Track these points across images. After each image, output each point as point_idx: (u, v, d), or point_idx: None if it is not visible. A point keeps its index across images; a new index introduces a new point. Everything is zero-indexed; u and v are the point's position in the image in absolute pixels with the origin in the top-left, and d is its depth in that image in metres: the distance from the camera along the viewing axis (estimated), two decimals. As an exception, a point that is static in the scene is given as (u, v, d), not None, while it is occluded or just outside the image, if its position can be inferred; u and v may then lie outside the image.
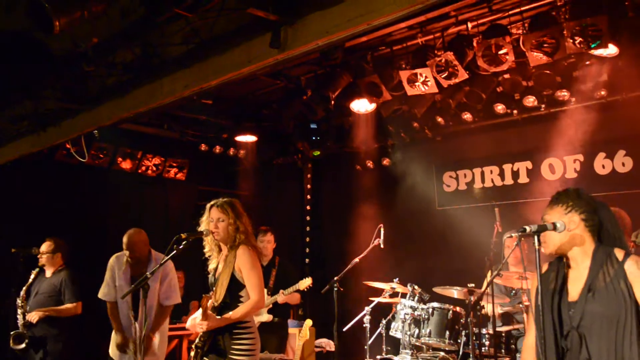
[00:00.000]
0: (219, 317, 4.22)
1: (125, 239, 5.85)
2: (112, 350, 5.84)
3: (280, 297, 6.48)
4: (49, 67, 5.51)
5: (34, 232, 7.07)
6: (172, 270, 5.99)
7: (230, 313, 4.22)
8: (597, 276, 2.96)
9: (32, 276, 6.40)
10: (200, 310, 4.29)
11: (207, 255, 4.59)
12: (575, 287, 3.02)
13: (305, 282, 6.50)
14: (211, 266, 4.55)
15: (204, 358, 4.29)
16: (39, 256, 6.47)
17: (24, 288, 6.37)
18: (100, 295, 5.88)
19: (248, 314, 4.26)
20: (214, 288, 4.41)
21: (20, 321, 6.23)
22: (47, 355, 6.23)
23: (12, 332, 6.18)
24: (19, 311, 6.27)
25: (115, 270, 5.89)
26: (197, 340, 4.31)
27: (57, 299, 6.35)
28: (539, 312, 3.01)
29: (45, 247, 6.49)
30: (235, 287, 4.31)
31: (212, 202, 4.48)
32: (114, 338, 5.82)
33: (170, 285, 5.95)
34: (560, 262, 3.15)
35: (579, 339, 2.91)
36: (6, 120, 6.74)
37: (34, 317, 6.12)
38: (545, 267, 3.21)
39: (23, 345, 6.14)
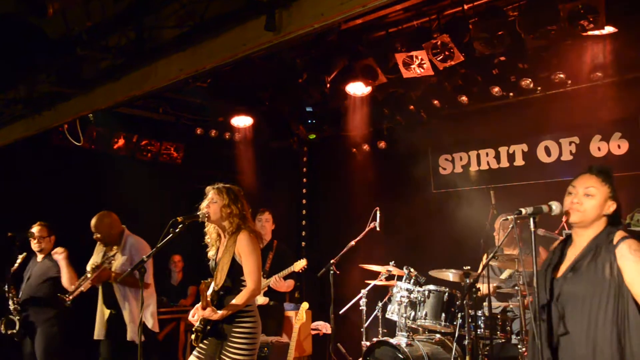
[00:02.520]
0: (219, 312, 4.21)
1: (92, 221, 5.83)
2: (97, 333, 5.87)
3: (273, 281, 6.51)
4: (43, 51, 5.48)
5: (29, 216, 7.07)
6: (136, 248, 5.94)
7: (230, 303, 4.23)
8: (585, 256, 3.02)
9: (19, 260, 6.41)
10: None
11: (207, 242, 4.61)
12: (566, 264, 3.09)
13: (300, 264, 6.53)
14: (211, 252, 4.57)
15: (204, 341, 4.31)
16: (33, 240, 6.47)
17: (11, 272, 6.38)
18: None
19: (246, 302, 4.27)
20: (214, 273, 4.43)
21: (11, 306, 6.25)
22: (43, 340, 6.26)
23: (2, 317, 6.24)
24: (10, 296, 6.29)
25: (96, 250, 5.98)
26: (197, 323, 4.33)
27: (52, 283, 6.32)
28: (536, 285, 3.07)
29: (38, 231, 6.47)
30: (236, 271, 4.33)
31: (211, 186, 4.51)
32: (99, 320, 5.85)
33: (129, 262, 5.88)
34: (570, 240, 3.20)
35: (558, 314, 2.98)
36: (0, 104, 6.71)
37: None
38: (557, 242, 3.29)
39: (15, 330, 6.18)
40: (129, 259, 5.75)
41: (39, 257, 6.47)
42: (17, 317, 6.22)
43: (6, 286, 6.30)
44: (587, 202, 3.07)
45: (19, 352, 6.47)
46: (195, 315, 4.33)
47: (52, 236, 6.52)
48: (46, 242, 6.49)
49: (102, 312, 5.83)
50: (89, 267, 5.67)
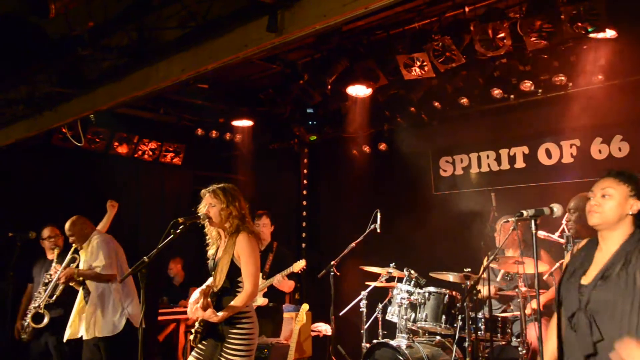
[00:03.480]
0: (219, 313, 4.20)
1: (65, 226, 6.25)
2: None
3: (277, 280, 6.51)
4: (45, 51, 5.48)
5: (30, 216, 7.08)
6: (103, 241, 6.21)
7: (227, 308, 4.22)
8: (615, 263, 2.95)
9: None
10: (196, 292, 4.30)
11: (207, 242, 4.61)
12: (594, 267, 3.02)
13: (300, 264, 6.52)
14: (211, 251, 4.57)
15: (203, 342, 4.31)
16: (49, 240, 6.61)
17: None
18: None
19: (244, 305, 4.27)
20: (213, 273, 4.43)
21: (39, 302, 6.33)
22: (61, 340, 6.32)
23: (32, 311, 6.33)
24: (42, 289, 6.39)
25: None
26: (196, 325, 4.33)
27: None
28: (559, 290, 3.06)
29: (51, 231, 6.66)
30: (235, 272, 4.32)
31: (205, 189, 4.50)
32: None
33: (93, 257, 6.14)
34: (594, 243, 3.13)
35: (587, 320, 2.90)
36: (1, 104, 6.71)
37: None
38: (581, 244, 3.21)
39: (43, 324, 6.28)
40: (93, 254, 6.07)
41: (55, 255, 6.51)
42: (46, 312, 6.32)
43: (41, 286, 6.41)
44: (606, 203, 3.03)
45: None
46: (191, 308, 4.34)
47: (63, 235, 6.60)
48: (61, 240, 6.63)
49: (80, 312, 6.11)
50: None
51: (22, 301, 6.70)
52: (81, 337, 6.06)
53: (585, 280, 3.00)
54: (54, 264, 6.39)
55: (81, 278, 6.04)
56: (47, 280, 6.35)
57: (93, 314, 5.98)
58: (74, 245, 6.24)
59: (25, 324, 6.36)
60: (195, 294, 4.37)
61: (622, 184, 3.04)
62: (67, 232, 6.19)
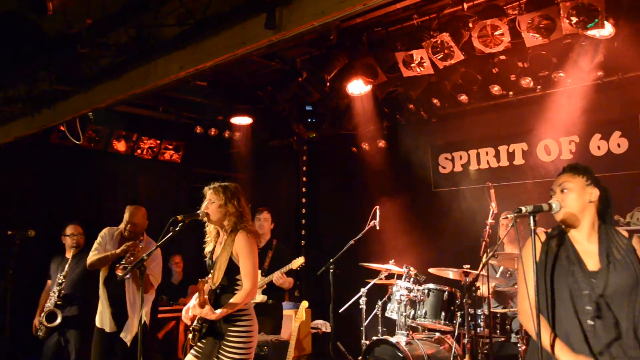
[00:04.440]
0: (217, 311, 4.20)
1: (128, 212, 5.90)
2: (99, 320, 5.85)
3: (276, 277, 6.51)
4: (43, 49, 5.47)
5: (29, 214, 7.08)
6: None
7: (226, 306, 4.22)
8: (611, 249, 3.05)
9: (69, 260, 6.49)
10: (194, 298, 4.30)
11: (206, 239, 4.61)
12: (590, 259, 3.07)
13: (298, 261, 6.53)
14: (208, 248, 4.56)
15: (202, 340, 4.31)
16: (72, 238, 6.59)
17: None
18: (89, 260, 5.83)
19: (243, 302, 4.27)
20: (211, 271, 4.43)
21: (52, 300, 6.32)
22: (77, 338, 6.34)
23: (46, 310, 6.30)
24: (55, 289, 6.35)
25: (107, 240, 5.90)
26: (194, 323, 4.33)
27: (87, 280, 6.36)
28: (544, 280, 3.10)
29: (74, 229, 6.63)
30: (233, 270, 4.33)
31: (208, 187, 4.51)
32: (102, 310, 5.83)
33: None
34: (561, 235, 3.20)
35: (607, 306, 2.96)
36: (0, 102, 6.71)
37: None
38: (543, 237, 3.26)
39: (56, 323, 6.26)
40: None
41: (71, 254, 6.49)
42: (60, 311, 6.30)
43: (55, 285, 6.36)
44: (566, 197, 3.13)
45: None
46: (190, 312, 4.34)
47: (84, 235, 6.60)
48: (83, 239, 6.61)
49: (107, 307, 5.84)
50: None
51: (41, 297, 6.67)
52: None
53: (592, 267, 3.05)
54: (67, 265, 6.38)
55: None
56: (60, 280, 6.34)
57: (129, 310, 5.78)
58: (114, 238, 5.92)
59: (41, 322, 6.35)
60: (193, 301, 4.37)
61: (577, 175, 3.15)
62: (130, 220, 5.86)
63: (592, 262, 3.06)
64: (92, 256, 5.77)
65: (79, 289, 6.41)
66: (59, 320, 6.27)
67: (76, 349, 6.34)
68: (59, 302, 6.30)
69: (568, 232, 3.18)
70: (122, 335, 5.70)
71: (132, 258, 5.58)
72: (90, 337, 5.98)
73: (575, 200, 3.11)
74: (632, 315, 2.94)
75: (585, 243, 3.12)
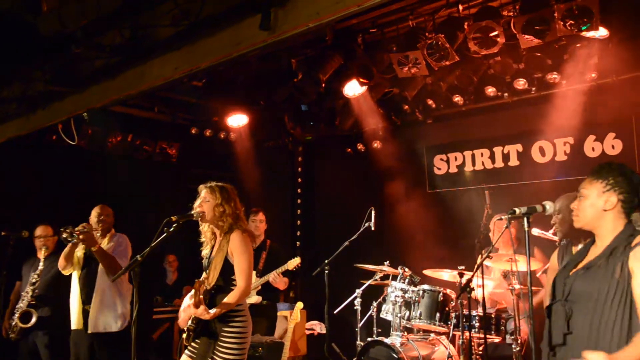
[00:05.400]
0: (211, 310, 4.21)
1: (94, 212, 6.03)
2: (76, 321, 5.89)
3: (272, 277, 6.51)
4: (38, 49, 5.46)
5: (23, 215, 7.06)
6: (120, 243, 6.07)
7: (220, 304, 4.23)
8: (602, 256, 2.96)
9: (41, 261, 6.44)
10: (187, 297, 4.31)
11: (202, 241, 4.61)
12: (580, 259, 3.07)
13: (294, 262, 6.53)
14: (205, 251, 4.58)
15: (196, 340, 4.32)
16: (39, 239, 6.52)
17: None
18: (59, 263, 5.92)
19: (237, 302, 4.28)
20: (207, 271, 4.43)
21: (25, 301, 6.28)
22: (51, 339, 6.33)
23: (20, 310, 6.25)
24: (29, 289, 6.30)
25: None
26: (189, 323, 4.33)
27: (59, 281, 6.34)
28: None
29: (44, 230, 6.56)
30: (228, 270, 4.34)
31: (203, 184, 4.51)
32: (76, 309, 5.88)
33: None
34: (593, 241, 3.14)
35: (563, 312, 2.94)
36: (-6, 102, 6.70)
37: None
38: (585, 242, 3.26)
39: (30, 324, 6.22)
40: (113, 247, 5.91)
41: (43, 255, 6.47)
42: (34, 311, 6.27)
43: (29, 285, 6.31)
44: (581, 204, 3.06)
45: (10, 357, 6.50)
46: (182, 314, 4.34)
47: (56, 236, 6.55)
48: (52, 242, 6.54)
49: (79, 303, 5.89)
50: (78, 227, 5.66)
51: (10, 299, 6.66)
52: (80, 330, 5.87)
53: (571, 272, 3.06)
54: (40, 265, 6.35)
55: (95, 248, 5.63)
56: (34, 280, 6.31)
57: (98, 307, 5.80)
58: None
59: (13, 323, 6.29)
60: (187, 301, 4.37)
61: (596, 180, 3.03)
62: (99, 217, 5.99)
63: (578, 265, 3.07)
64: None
65: (52, 290, 6.39)
66: (34, 320, 6.23)
67: (50, 350, 6.33)
68: (32, 302, 6.26)
69: (595, 238, 3.10)
70: (103, 328, 5.74)
71: (83, 231, 5.56)
72: (63, 339, 6.00)
73: (587, 208, 3.03)
74: (591, 326, 2.88)
75: (601, 246, 3.02)
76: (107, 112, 7.52)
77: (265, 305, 6.66)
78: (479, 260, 5.60)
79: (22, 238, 6.52)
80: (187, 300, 4.39)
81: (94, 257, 5.69)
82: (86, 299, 5.81)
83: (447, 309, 5.88)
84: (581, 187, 3.09)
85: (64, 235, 5.53)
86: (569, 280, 3.01)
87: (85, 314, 5.77)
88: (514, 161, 7.83)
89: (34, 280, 6.29)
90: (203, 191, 4.47)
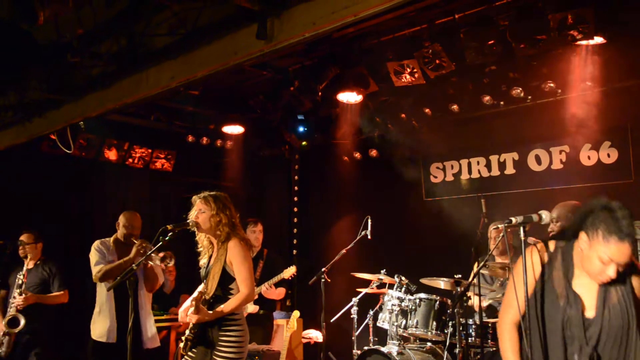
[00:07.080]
0: (210, 311, 4.22)
1: (125, 219, 5.65)
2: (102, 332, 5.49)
3: (264, 288, 6.50)
4: (34, 58, 5.46)
5: (20, 224, 7.03)
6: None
7: (222, 306, 4.23)
8: (609, 290, 2.83)
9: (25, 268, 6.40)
10: (189, 300, 4.30)
11: (199, 250, 4.60)
12: (588, 295, 2.87)
13: (290, 271, 6.53)
14: (203, 261, 4.57)
15: (193, 349, 4.31)
16: (21, 248, 6.48)
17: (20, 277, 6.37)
18: (100, 274, 5.42)
19: (238, 307, 4.28)
20: (205, 281, 4.42)
21: (12, 309, 6.23)
22: (36, 346, 6.29)
23: (7, 316, 6.21)
24: (16, 293, 6.25)
25: (105, 252, 5.54)
26: (187, 332, 4.32)
27: (46, 290, 6.41)
28: (536, 310, 2.94)
29: (26, 238, 6.49)
30: (227, 280, 4.33)
31: (196, 195, 4.50)
32: (102, 320, 5.49)
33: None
34: (567, 248, 2.95)
35: (597, 356, 2.79)
36: (-10, 110, 6.69)
37: (20, 303, 6.11)
38: (552, 246, 3.03)
39: (19, 327, 6.17)
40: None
41: (29, 264, 6.44)
42: (21, 315, 6.22)
43: (16, 287, 6.27)
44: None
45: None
46: (180, 313, 4.35)
47: (40, 243, 6.50)
48: (32, 249, 6.48)
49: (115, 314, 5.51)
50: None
51: None
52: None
53: (588, 311, 2.86)
54: (26, 270, 6.31)
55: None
56: (20, 282, 6.26)
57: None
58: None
59: (1, 334, 6.20)
60: (187, 302, 4.37)
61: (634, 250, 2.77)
62: (127, 229, 5.58)
63: (590, 302, 2.86)
64: (102, 269, 5.37)
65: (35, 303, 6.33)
66: (22, 323, 6.17)
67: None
68: (20, 308, 6.22)
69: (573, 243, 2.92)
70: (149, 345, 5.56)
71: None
72: (51, 347, 5.97)
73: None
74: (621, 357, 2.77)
75: (587, 279, 2.87)
76: (103, 120, 7.53)
77: (262, 314, 6.66)
78: (475, 269, 5.60)
79: (18, 247, 6.51)
80: (188, 302, 4.38)
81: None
82: (121, 311, 5.40)
83: (443, 317, 5.87)
84: (627, 259, 2.76)
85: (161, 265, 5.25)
86: (595, 323, 2.81)
87: (119, 325, 5.40)
88: (510, 169, 7.84)
89: (19, 282, 6.26)
90: (197, 202, 4.46)
